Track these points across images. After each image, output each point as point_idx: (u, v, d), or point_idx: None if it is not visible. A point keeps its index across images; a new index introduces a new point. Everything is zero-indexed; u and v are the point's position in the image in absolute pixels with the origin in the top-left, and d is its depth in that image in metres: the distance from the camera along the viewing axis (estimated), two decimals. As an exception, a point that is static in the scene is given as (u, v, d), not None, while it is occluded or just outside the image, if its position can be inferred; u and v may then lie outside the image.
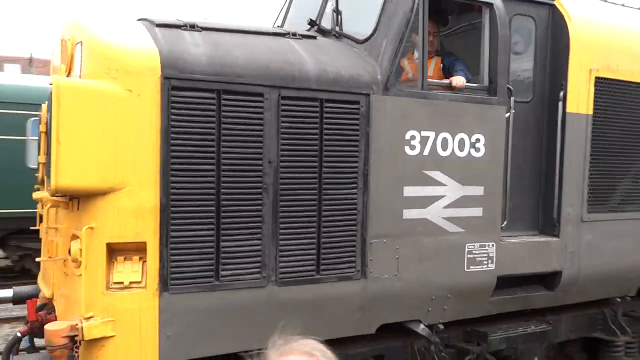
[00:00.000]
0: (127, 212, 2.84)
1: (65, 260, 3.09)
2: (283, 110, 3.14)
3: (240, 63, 3.07)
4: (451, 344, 3.90)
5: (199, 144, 2.94)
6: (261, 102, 3.08)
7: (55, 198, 3.07)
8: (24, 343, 3.89)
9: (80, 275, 2.89)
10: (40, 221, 4.11)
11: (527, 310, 4.27)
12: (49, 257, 3.27)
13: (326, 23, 4.04)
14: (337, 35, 3.82)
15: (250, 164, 3.07)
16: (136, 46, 2.91)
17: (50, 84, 2.79)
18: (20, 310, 6.60)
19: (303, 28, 4.06)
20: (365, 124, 3.36)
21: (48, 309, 3.51)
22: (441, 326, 3.77)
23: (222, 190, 2.99)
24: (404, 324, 3.66)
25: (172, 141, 2.88)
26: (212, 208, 2.99)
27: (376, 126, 3.40)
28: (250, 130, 3.04)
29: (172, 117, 2.88)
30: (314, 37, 3.70)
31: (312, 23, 4.08)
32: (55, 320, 3.32)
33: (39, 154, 4.05)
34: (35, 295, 4.20)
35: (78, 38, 3.05)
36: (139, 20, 3.33)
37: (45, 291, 3.45)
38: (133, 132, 2.83)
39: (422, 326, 3.70)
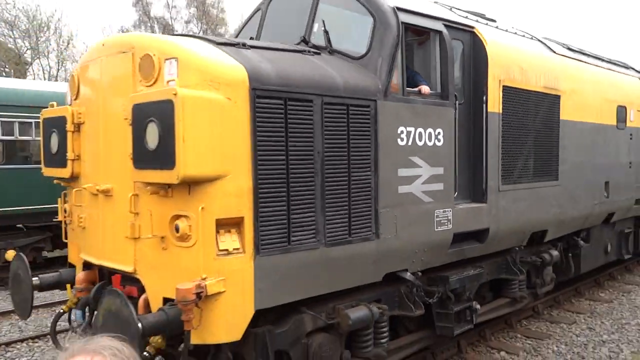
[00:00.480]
0: (230, 195, 3.79)
1: (163, 237, 3.88)
2: (325, 113, 4.30)
3: (295, 77, 4.16)
4: (421, 287, 5.35)
5: (274, 140, 3.98)
6: (311, 107, 4.20)
7: (150, 188, 3.85)
8: (78, 319, 4.47)
9: (190, 247, 3.75)
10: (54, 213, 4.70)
11: (464, 259, 5.90)
12: (135, 238, 4.01)
13: (315, 40, 5.20)
14: (330, 52, 5.01)
15: (306, 154, 4.19)
16: (227, 63, 3.85)
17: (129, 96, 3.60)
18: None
19: (284, 41, 5.16)
20: (374, 123, 4.65)
21: (123, 281, 4.20)
22: (419, 273, 5.20)
23: (291, 175, 4.06)
24: (397, 273, 5.01)
25: (257, 138, 3.87)
26: (284, 189, 4.05)
27: (380, 124, 4.71)
28: (305, 128, 4.15)
29: (257, 119, 3.89)
30: (318, 53, 4.85)
31: (304, 40, 5.21)
32: (137, 291, 4.07)
33: (64, 152, 4.62)
34: (61, 282, 4.78)
35: (170, 54, 3.86)
36: (197, 38, 4.20)
37: (125, 268, 4.14)
38: (232, 131, 3.78)
39: (408, 274, 5.09)
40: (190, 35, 4.32)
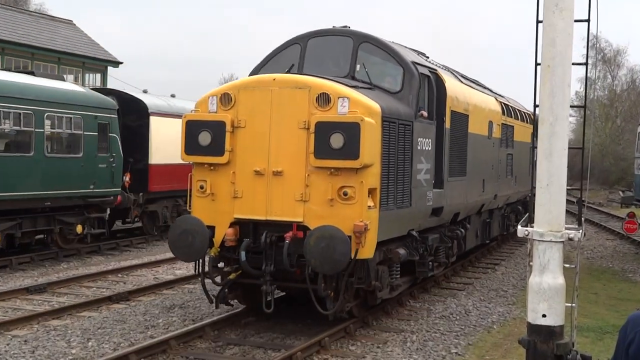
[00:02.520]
0: (373, 175, 10.44)
1: (332, 199, 10.25)
2: (399, 129, 11.14)
3: (390, 109, 10.92)
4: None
5: (391, 144, 10.72)
6: (394, 125, 11.02)
7: (325, 170, 10.23)
8: (243, 259, 10.47)
9: (353, 204, 10.27)
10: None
11: (424, 229, 13.13)
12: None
13: (358, 76, 11.97)
14: (372, 87, 11.80)
15: (399, 154, 10.99)
16: (373, 102, 10.49)
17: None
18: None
19: (328, 73, 11.80)
20: (411, 135, 11.63)
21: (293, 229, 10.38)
22: (417, 233, 12.27)
23: (390, 165, 10.82)
24: (409, 232, 12.01)
25: (383, 143, 10.57)
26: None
27: (414, 136, 11.70)
28: (394, 137, 10.96)
29: (383, 132, 10.59)
30: (371, 89, 11.62)
31: (353, 77, 11.90)
32: (302, 234, 10.33)
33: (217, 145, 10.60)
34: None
35: (343, 95, 10.29)
36: (345, 85, 10.69)
37: (296, 219, 10.32)
38: (375, 139, 10.41)
39: (415, 232, 12.14)
40: (336, 80, 10.65)
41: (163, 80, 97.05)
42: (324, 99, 10.35)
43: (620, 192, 37.17)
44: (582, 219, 8.08)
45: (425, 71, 12.67)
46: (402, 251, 11.55)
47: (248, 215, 10.71)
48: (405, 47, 13.50)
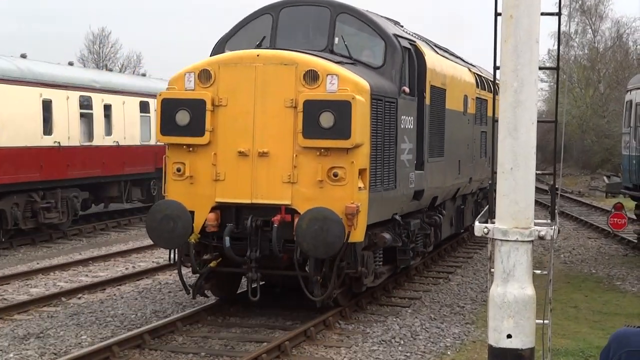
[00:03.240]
0: (363, 155, 13.71)
1: (321, 180, 13.44)
2: (385, 106, 14.43)
3: (377, 86, 14.19)
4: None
5: (376, 122, 13.99)
6: (381, 103, 14.30)
7: (315, 150, 13.42)
8: (227, 245, 13.60)
9: (344, 185, 13.50)
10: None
11: (403, 214, 16.47)
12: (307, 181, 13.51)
13: (336, 49, 15.20)
14: (354, 62, 15.03)
15: (385, 133, 14.27)
16: (362, 79, 13.73)
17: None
18: None
19: (305, 47, 15.01)
20: (395, 112, 14.94)
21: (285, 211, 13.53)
22: (399, 217, 15.59)
23: (379, 145, 14.10)
24: (393, 216, 15.31)
25: (371, 122, 13.83)
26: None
27: (398, 113, 15.00)
28: (381, 115, 14.23)
29: (372, 111, 13.86)
30: (354, 64, 14.85)
31: (331, 50, 15.12)
32: (290, 217, 13.50)
33: None
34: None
35: (332, 72, 13.48)
36: (330, 61, 13.90)
37: (284, 202, 13.46)
38: (365, 117, 13.66)
39: (398, 216, 15.46)
40: (327, 58, 13.76)
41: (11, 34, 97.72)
42: (311, 76, 13.45)
43: (605, 178, 38.36)
44: (556, 212, 8.51)
45: (406, 44, 15.92)
46: (387, 236, 14.77)
47: (231, 198, 13.74)
48: (381, 16, 16.71)
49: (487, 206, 8.24)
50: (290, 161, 13.53)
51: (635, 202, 26.12)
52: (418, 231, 17.17)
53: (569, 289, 18.95)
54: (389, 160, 14.69)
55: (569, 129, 71.79)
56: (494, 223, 7.33)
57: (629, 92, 26.58)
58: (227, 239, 13.57)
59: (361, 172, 13.61)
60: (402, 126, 15.33)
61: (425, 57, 16.73)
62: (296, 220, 13.26)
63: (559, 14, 8.58)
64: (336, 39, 15.42)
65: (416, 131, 16.24)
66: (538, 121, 7.40)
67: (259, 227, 13.59)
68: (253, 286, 13.78)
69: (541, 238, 7.27)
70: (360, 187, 13.52)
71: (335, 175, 13.41)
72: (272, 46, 15.14)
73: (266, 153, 13.60)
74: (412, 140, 15.94)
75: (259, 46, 15.17)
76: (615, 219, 24.45)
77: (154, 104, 29.29)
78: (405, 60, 15.87)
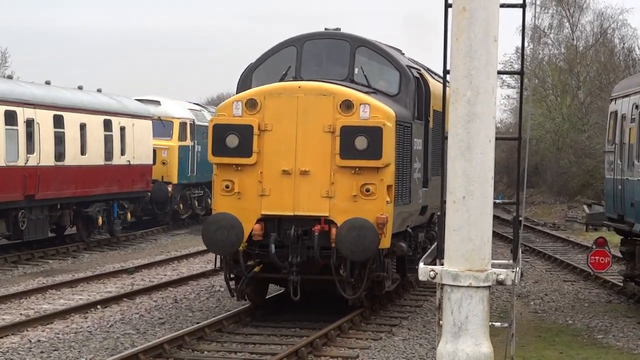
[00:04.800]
0: (391, 173, 22.18)
1: (355, 195, 21.92)
2: (404, 131, 23.04)
3: (400, 114, 22.77)
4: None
5: (399, 146, 22.61)
6: (402, 128, 22.91)
7: (350, 169, 21.95)
8: (273, 251, 22.06)
9: (375, 200, 21.99)
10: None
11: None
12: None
13: (357, 79, 23.83)
14: (373, 91, 23.59)
15: (405, 153, 22.90)
16: (389, 108, 22.32)
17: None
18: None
19: (328, 77, 23.56)
20: (410, 136, 23.52)
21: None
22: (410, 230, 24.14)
23: (400, 164, 22.70)
24: (407, 228, 23.85)
25: (397, 144, 22.41)
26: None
27: (413, 136, 23.60)
28: (403, 138, 22.86)
29: (397, 135, 22.46)
30: (375, 93, 23.43)
31: (352, 80, 23.69)
32: (328, 227, 21.95)
33: None
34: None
35: (364, 102, 22.01)
36: (365, 93, 22.53)
37: (322, 214, 21.86)
38: (392, 141, 22.17)
39: (409, 229, 24.01)
40: (355, 88, 22.19)
41: None
42: (347, 105, 21.66)
43: (585, 208, 40.64)
44: (519, 249, 9.10)
45: (416, 73, 24.31)
46: (404, 245, 23.07)
47: (275, 211, 21.81)
48: (389, 46, 25.13)
49: (435, 244, 8.98)
50: (328, 178, 21.68)
51: (621, 237, 27.74)
52: (422, 243, 25.61)
53: (539, 345, 20.75)
54: (406, 178, 23.03)
55: (541, 147, 79.64)
56: (442, 265, 7.83)
57: (613, 101, 28.23)
58: (272, 246, 21.64)
59: (388, 188, 21.81)
60: (414, 148, 23.72)
61: (430, 85, 25.21)
62: (333, 230, 21.45)
63: (523, 6, 8.89)
64: (356, 70, 23.73)
65: (423, 152, 24.69)
66: (498, 138, 7.87)
67: (300, 236, 21.50)
68: (294, 288, 21.83)
69: (500, 283, 7.70)
70: (387, 201, 21.78)
71: (368, 190, 21.63)
72: (298, 75, 23.31)
73: (307, 172, 21.74)
74: (420, 160, 24.26)
75: (284, 75, 23.29)
76: (596, 257, 26.22)
77: (24, 114, 34.16)
78: (416, 89, 24.32)
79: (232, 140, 21.89)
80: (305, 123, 21.84)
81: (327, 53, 24.33)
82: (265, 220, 22.02)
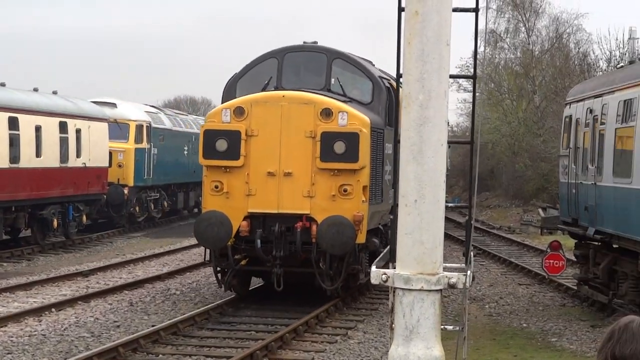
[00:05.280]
0: (366, 175, 26.77)
1: (334, 195, 26.58)
2: (377, 136, 27.75)
3: (374, 121, 27.49)
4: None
5: (373, 150, 27.33)
6: (375, 134, 27.62)
7: (329, 171, 26.65)
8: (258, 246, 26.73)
9: (351, 199, 26.65)
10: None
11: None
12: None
13: (333, 88, 28.55)
14: (349, 99, 28.28)
15: (377, 158, 27.61)
16: (365, 116, 27.01)
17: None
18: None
19: (306, 87, 28.25)
20: (382, 141, 28.20)
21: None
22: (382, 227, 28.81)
23: (373, 167, 27.41)
24: (379, 225, 28.52)
25: (371, 149, 27.09)
26: (381, 176, 27.58)
27: (385, 141, 28.29)
28: (375, 144, 27.58)
29: (371, 140, 27.14)
30: (351, 102, 28.15)
31: (329, 89, 28.37)
32: (309, 224, 26.63)
33: None
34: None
35: (341, 110, 26.68)
36: (343, 102, 27.24)
37: (304, 212, 26.49)
38: (367, 145, 26.88)
39: (381, 226, 28.67)
40: (334, 97, 26.78)
41: None
42: (326, 113, 26.07)
43: (540, 211, 43.14)
44: (471, 252, 9.74)
45: (387, 83, 28.85)
46: (376, 241, 27.58)
47: (261, 209, 26.16)
48: (361, 57, 29.70)
49: (388, 247, 9.43)
50: (309, 179, 26.02)
51: (576, 241, 29.84)
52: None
53: (494, 348, 21.93)
54: (379, 179, 27.48)
55: (497, 150, 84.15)
56: (394, 268, 8.21)
57: (568, 106, 30.02)
58: (258, 241, 26.03)
59: (364, 188, 26.18)
60: (386, 152, 28.21)
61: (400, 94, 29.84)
62: (314, 226, 25.89)
63: (476, 10, 9.37)
64: (332, 80, 28.15)
65: (393, 156, 29.22)
66: (450, 142, 8.47)
67: (283, 232, 25.75)
68: (277, 279, 26.21)
69: (451, 286, 8.12)
70: (363, 200, 26.20)
71: (345, 190, 26.07)
72: (279, 85, 27.59)
73: (290, 173, 26.09)
74: (391, 163, 28.61)
75: (267, 85, 27.56)
76: (551, 261, 28.02)
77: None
78: (387, 98, 28.87)
79: (222, 145, 26.23)
80: (288, 129, 26.19)
81: (306, 64, 28.82)
82: (251, 217, 26.31)
